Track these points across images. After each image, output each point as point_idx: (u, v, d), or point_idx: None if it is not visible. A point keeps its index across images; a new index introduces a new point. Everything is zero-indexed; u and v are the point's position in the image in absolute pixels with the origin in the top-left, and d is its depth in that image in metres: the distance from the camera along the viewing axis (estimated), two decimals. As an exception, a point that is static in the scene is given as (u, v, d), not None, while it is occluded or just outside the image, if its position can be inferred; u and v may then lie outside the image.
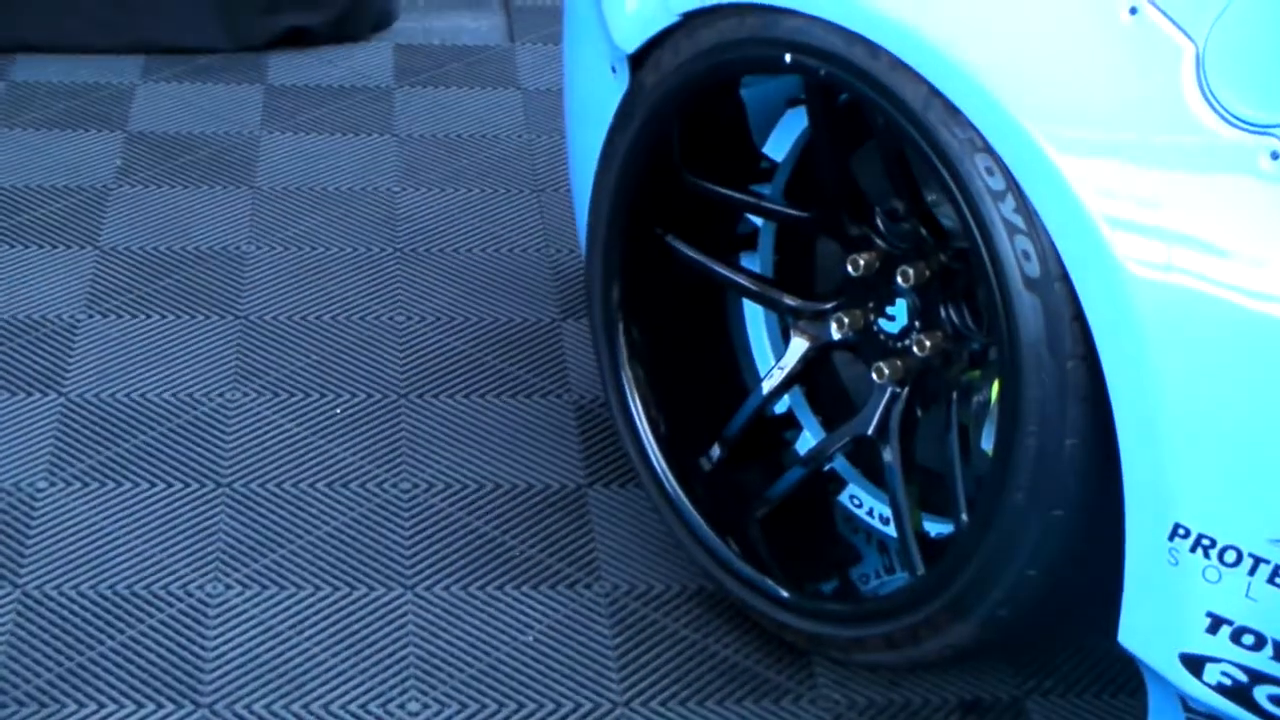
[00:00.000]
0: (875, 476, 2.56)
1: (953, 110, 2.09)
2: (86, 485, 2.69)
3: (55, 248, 3.30)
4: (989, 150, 2.06)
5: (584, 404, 2.95)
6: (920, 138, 2.13)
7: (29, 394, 2.88)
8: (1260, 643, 1.95)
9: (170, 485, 2.68)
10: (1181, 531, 1.97)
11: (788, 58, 2.28)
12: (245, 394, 2.85)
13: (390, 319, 3.15)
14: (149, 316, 3.12)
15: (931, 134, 2.11)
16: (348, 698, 2.35)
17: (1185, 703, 2.11)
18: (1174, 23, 1.94)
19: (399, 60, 4.08)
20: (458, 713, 2.35)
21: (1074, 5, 2.04)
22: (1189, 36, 1.93)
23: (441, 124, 3.83)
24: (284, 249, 3.34)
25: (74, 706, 2.28)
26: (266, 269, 3.28)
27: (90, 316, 3.09)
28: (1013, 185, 2.05)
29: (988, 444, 2.34)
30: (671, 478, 2.58)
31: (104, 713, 2.27)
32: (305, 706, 2.33)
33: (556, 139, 3.68)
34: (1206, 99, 1.91)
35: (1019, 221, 2.05)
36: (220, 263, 3.28)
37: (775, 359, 2.65)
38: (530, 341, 3.12)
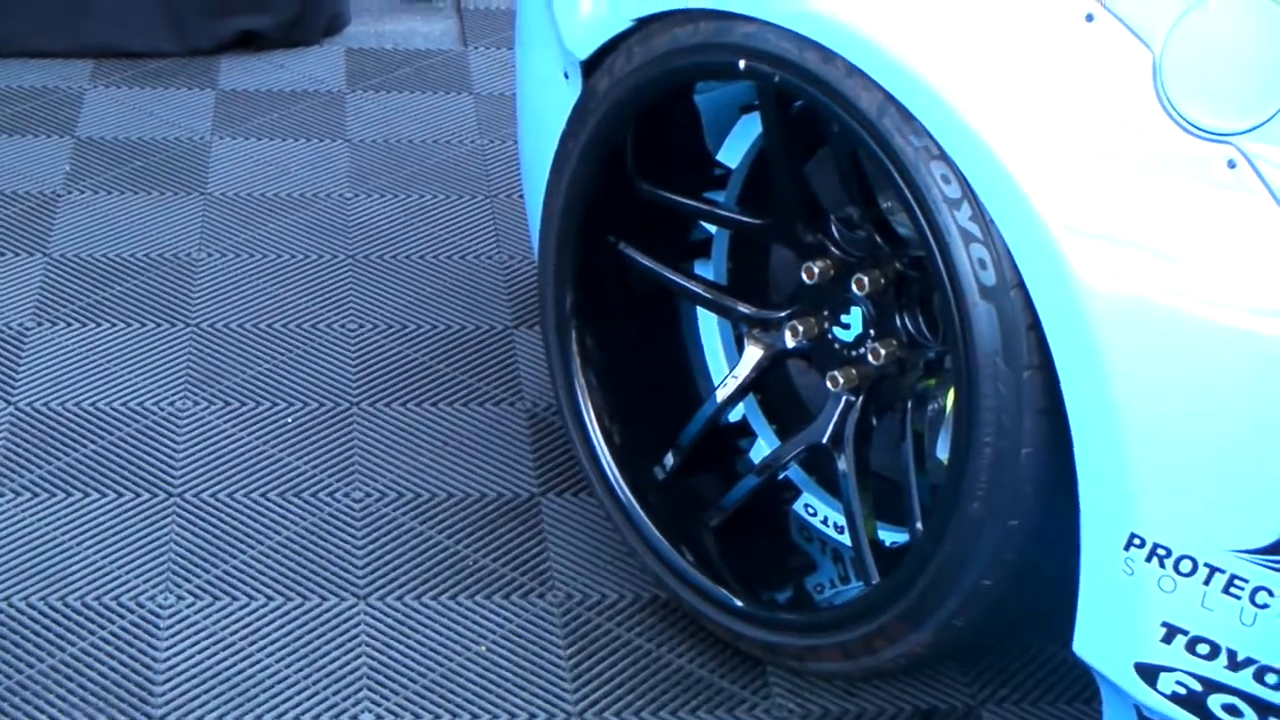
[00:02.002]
0: (830, 485, 2.56)
1: (908, 117, 2.08)
2: (35, 495, 2.67)
3: (3, 255, 3.29)
4: (944, 158, 2.06)
5: (537, 412, 2.94)
6: (875, 145, 2.13)
7: (-24, 403, 2.86)
8: (1215, 652, 1.95)
9: (120, 495, 2.66)
10: (1137, 541, 1.96)
11: (741, 64, 2.27)
12: (196, 402, 2.83)
13: (342, 326, 3.14)
14: (98, 325, 3.11)
15: (886, 141, 2.11)
16: (300, 709, 2.34)
17: (1140, 711, 2.11)
18: (1130, 30, 1.93)
19: (351, 64, 4.08)
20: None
21: (1030, 12, 2.02)
22: (1145, 44, 1.92)
23: (394, 129, 3.83)
24: (235, 255, 3.32)
25: (22, 721, 2.26)
26: (218, 276, 3.27)
27: (39, 324, 3.08)
28: (968, 193, 2.04)
29: (943, 452, 2.34)
30: (625, 486, 2.57)
31: (53, 728, 2.26)
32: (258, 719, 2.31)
33: (509, 144, 3.69)
34: (1163, 107, 1.90)
35: (975, 229, 2.04)
36: (171, 270, 3.27)
37: (729, 367, 2.65)
38: (483, 349, 3.11)
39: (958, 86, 2.04)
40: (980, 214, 2.03)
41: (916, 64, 2.06)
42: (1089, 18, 1.96)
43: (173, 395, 2.93)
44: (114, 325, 3.10)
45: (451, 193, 3.57)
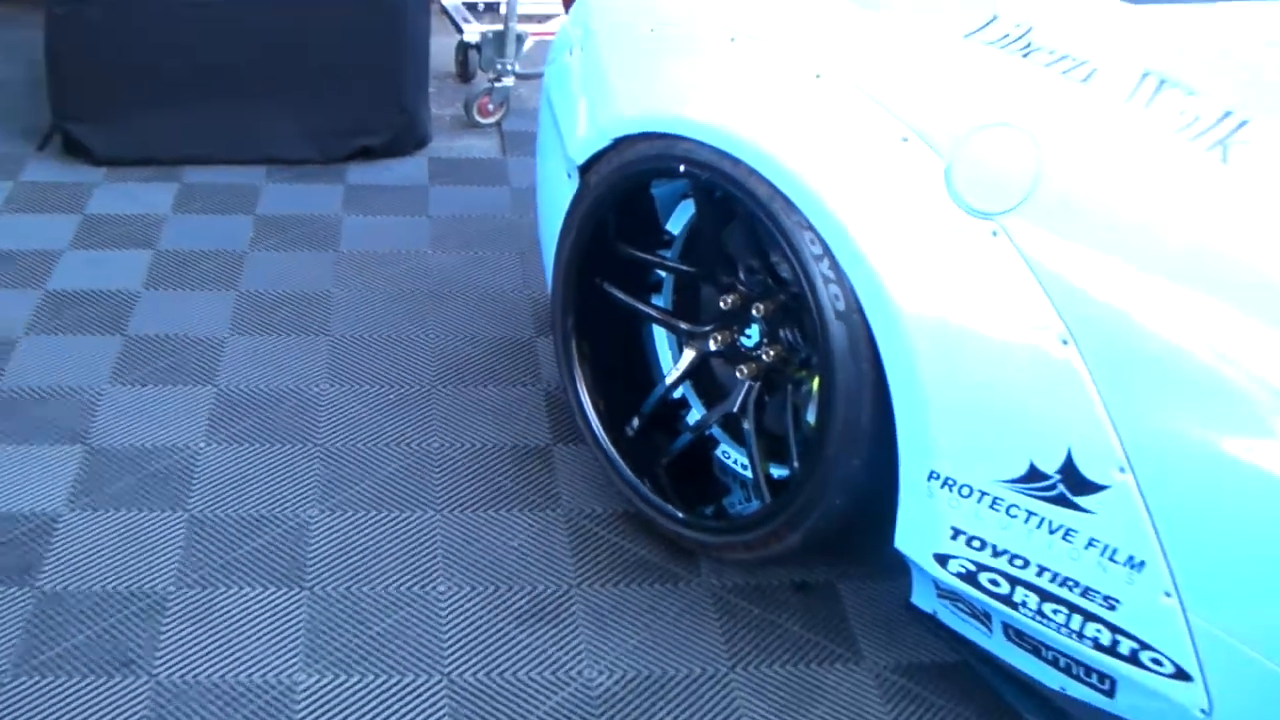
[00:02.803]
0: (739, 438, 2.50)
1: (789, 203, 2.06)
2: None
3: (206, 290, 3.22)
4: (812, 229, 2.03)
5: (550, 392, 2.88)
6: (768, 220, 2.10)
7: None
8: (983, 545, 1.93)
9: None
10: (934, 475, 1.94)
11: (682, 168, 2.24)
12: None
13: (427, 335, 3.07)
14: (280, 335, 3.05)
15: (775, 218, 2.08)
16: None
17: (937, 585, 2.08)
18: (930, 147, 1.91)
19: (432, 168, 3.99)
20: (474, 590, 2.30)
21: (865, 136, 1.98)
22: (939, 155, 1.90)
23: (459, 209, 3.75)
24: (360, 292, 3.25)
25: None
26: (350, 304, 3.20)
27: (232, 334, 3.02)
28: (827, 252, 2.01)
29: (810, 417, 2.30)
30: (606, 439, 2.53)
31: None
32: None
33: (532, 219, 3.60)
34: (951, 195, 1.88)
35: (831, 275, 2.01)
36: (314, 303, 3.19)
37: (674, 363, 2.60)
38: (514, 350, 3.05)
39: (819, 183, 2.01)
40: (835, 265, 2.00)
41: (793, 168, 2.04)
42: (904, 139, 1.94)
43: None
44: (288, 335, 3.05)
45: (496, 249, 3.51)
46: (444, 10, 4.59)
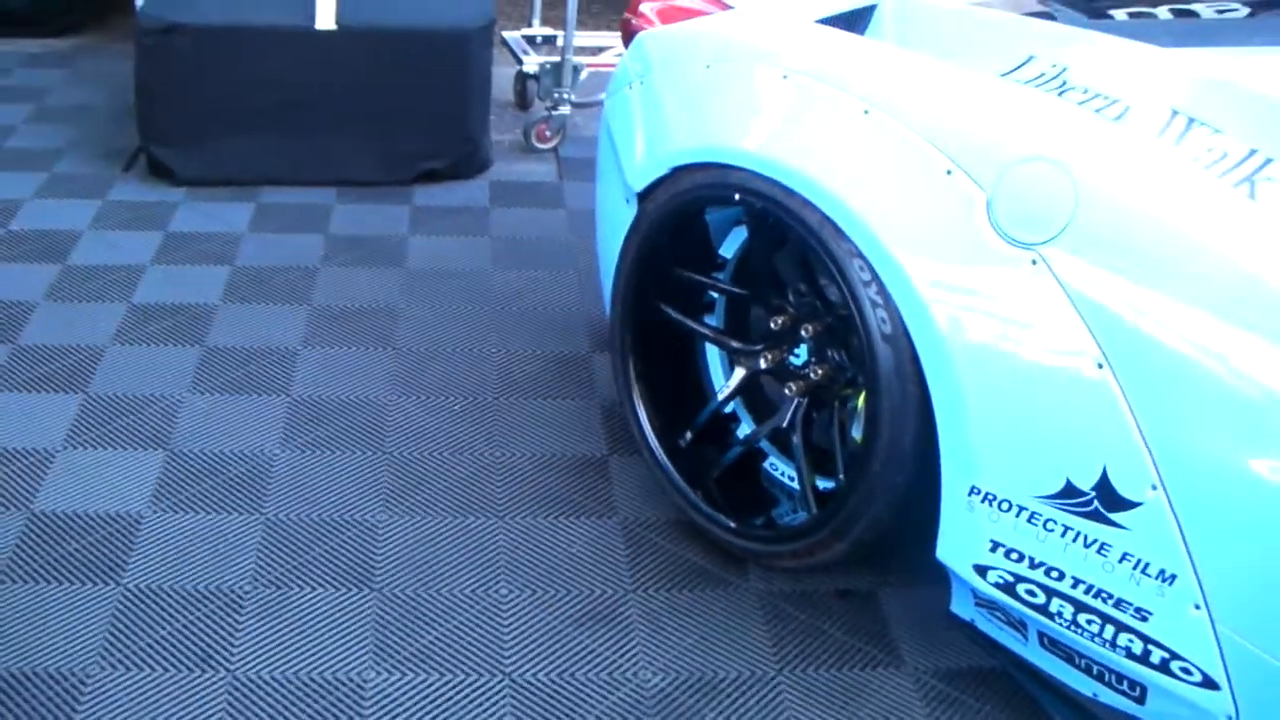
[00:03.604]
0: (787, 452, 2.52)
1: (839, 231, 2.08)
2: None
3: (280, 304, 3.26)
4: (861, 256, 2.05)
5: (606, 405, 2.91)
6: (818, 247, 2.12)
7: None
8: (1021, 558, 1.94)
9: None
10: (975, 490, 1.96)
11: (737, 196, 2.27)
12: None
13: (489, 349, 3.11)
14: (351, 348, 3.09)
15: (826, 245, 2.10)
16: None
17: (975, 594, 2.10)
18: (973, 180, 1.94)
19: (493, 190, 4.04)
20: (534, 594, 2.32)
21: (913, 167, 2.00)
22: (982, 188, 1.93)
23: (518, 230, 3.79)
24: (425, 307, 3.29)
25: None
26: (416, 319, 3.23)
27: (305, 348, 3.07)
28: (875, 277, 2.04)
29: (856, 433, 2.31)
30: (661, 451, 2.55)
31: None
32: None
33: (588, 240, 3.61)
34: (993, 226, 1.91)
35: (879, 299, 2.04)
36: (382, 317, 3.24)
37: (725, 380, 2.62)
38: (572, 365, 3.07)
39: (870, 213, 2.04)
40: (882, 290, 2.03)
41: (844, 197, 2.07)
42: (949, 171, 1.96)
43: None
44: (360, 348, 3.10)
45: (554, 268, 3.54)
46: (504, 43, 4.64)
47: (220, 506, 2.48)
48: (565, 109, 4.37)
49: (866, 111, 2.08)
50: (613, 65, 4.54)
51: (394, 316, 3.23)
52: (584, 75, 4.40)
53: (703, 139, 2.33)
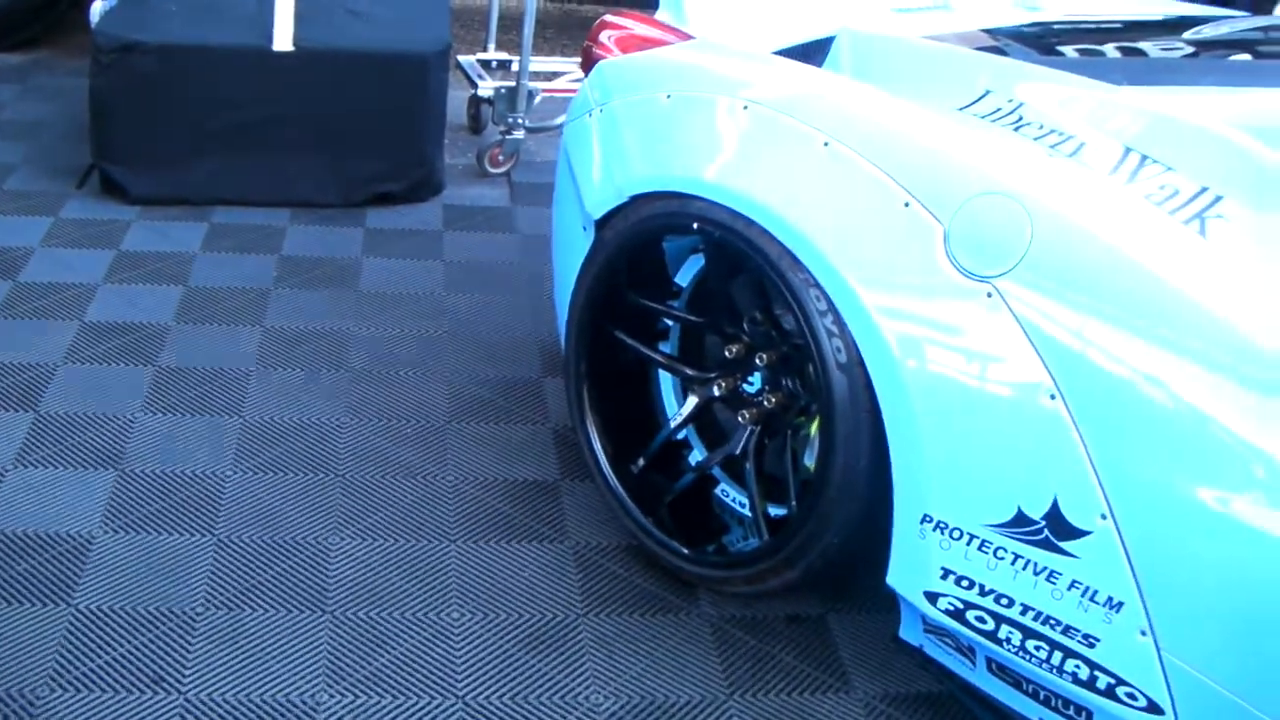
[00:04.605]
0: (738, 478, 2.52)
1: (796, 261, 2.10)
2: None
3: (233, 325, 3.24)
4: (818, 286, 2.07)
5: (558, 430, 2.91)
6: (776, 276, 2.14)
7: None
8: (971, 585, 1.96)
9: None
10: (928, 518, 1.97)
11: (696, 225, 2.28)
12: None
13: (441, 372, 3.10)
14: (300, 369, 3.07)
15: (783, 274, 2.12)
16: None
17: (924, 620, 2.11)
18: (930, 213, 1.96)
19: (446, 214, 4.03)
20: (486, 618, 2.31)
21: (870, 201, 2.03)
22: (939, 221, 1.95)
23: (471, 254, 3.78)
24: (379, 330, 3.28)
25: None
26: (369, 341, 3.22)
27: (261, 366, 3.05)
28: (832, 307, 2.06)
29: (808, 461, 2.33)
30: (614, 477, 2.55)
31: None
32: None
33: (540, 265, 3.63)
34: (949, 258, 1.93)
35: (835, 329, 2.06)
36: (334, 339, 3.22)
37: (678, 407, 2.63)
38: (524, 390, 3.07)
39: (827, 244, 2.05)
40: (839, 320, 2.05)
41: (802, 228, 2.08)
42: (906, 204, 1.98)
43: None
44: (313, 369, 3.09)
45: (506, 293, 3.54)
46: (459, 67, 4.64)
47: (172, 527, 2.46)
48: (519, 134, 4.37)
49: (826, 144, 2.10)
50: (567, 91, 4.56)
51: (347, 339, 3.22)
52: (538, 100, 4.41)
53: (663, 168, 2.34)
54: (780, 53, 2.51)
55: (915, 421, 1.96)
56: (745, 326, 2.42)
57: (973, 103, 2.18)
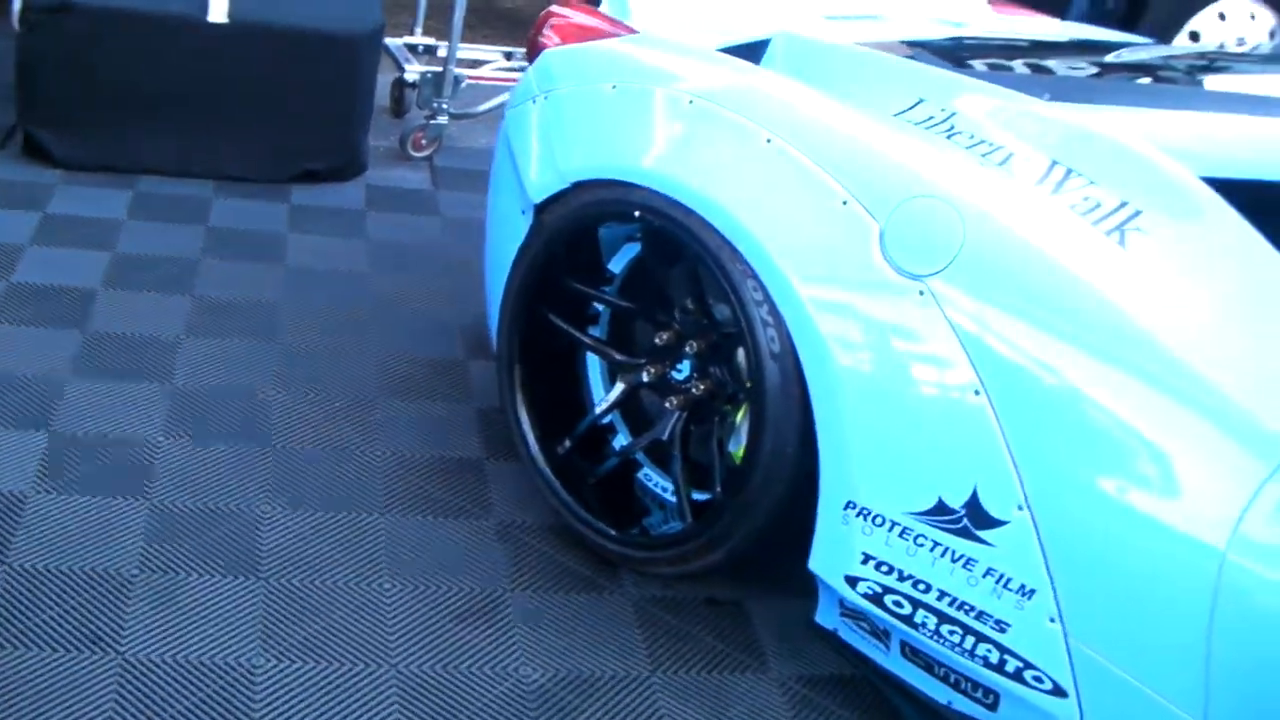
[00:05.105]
0: (661, 464, 2.58)
1: (735, 252, 2.17)
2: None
3: (162, 293, 3.23)
4: (755, 277, 2.14)
5: (482, 410, 2.94)
6: (714, 266, 2.20)
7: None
8: (890, 571, 2.04)
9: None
10: (851, 504, 2.05)
11: (637, 214, 2.34)
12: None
13: (368, 349, 3.12)
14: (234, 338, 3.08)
15: (722, 265, 2.19)
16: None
17: (842, 603, 2.19)
18: (868, 212, 2.04)
19: (368, 195, 4.04)
20: (416, 590, 2.35)
21: (810, 198, 2.10)
22: (875, 220, 2.03)
23: (394, 235, 3.80)
24: (306, 304, 3.29)
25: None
26: (297, 315, 3.24)
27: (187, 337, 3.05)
28: (768, 298, 2.13)
29: (734, 448, 2.40)
30: (541, 458, 2.60)
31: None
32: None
33: (462, 248, 3.69)
34: (884, 256, 2.01)
35: (769, 319, 2.13)
36: (263, 312, 3.23)
37: (604, 392, 2.68)
38: (448, 369, 3.11)
39: (765, 237, 2.12)
40: (774, 311, 2.12)
41: (743, 221, 2.15)
42: (844, 202, 2.06)
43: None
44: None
45: (429, 275, 3.56)
46: (386, 50, 4.65)
47: (105, 490, 2.47)
48: (443, 119, 4.40)
49: (769, 140, 2.18)
50: (492, 79, 4.61)
51: (275, 312, 3.23)
52: (463, 86, 4.44)
53: (607, 157, 2.40)
54: (722, 51, 2.58)
55: (843, 411, 2.04)
56: (677, 315, 2.48)
57: (907, 110, 2.27)
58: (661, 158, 2.31)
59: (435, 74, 4.37)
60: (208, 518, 2.45)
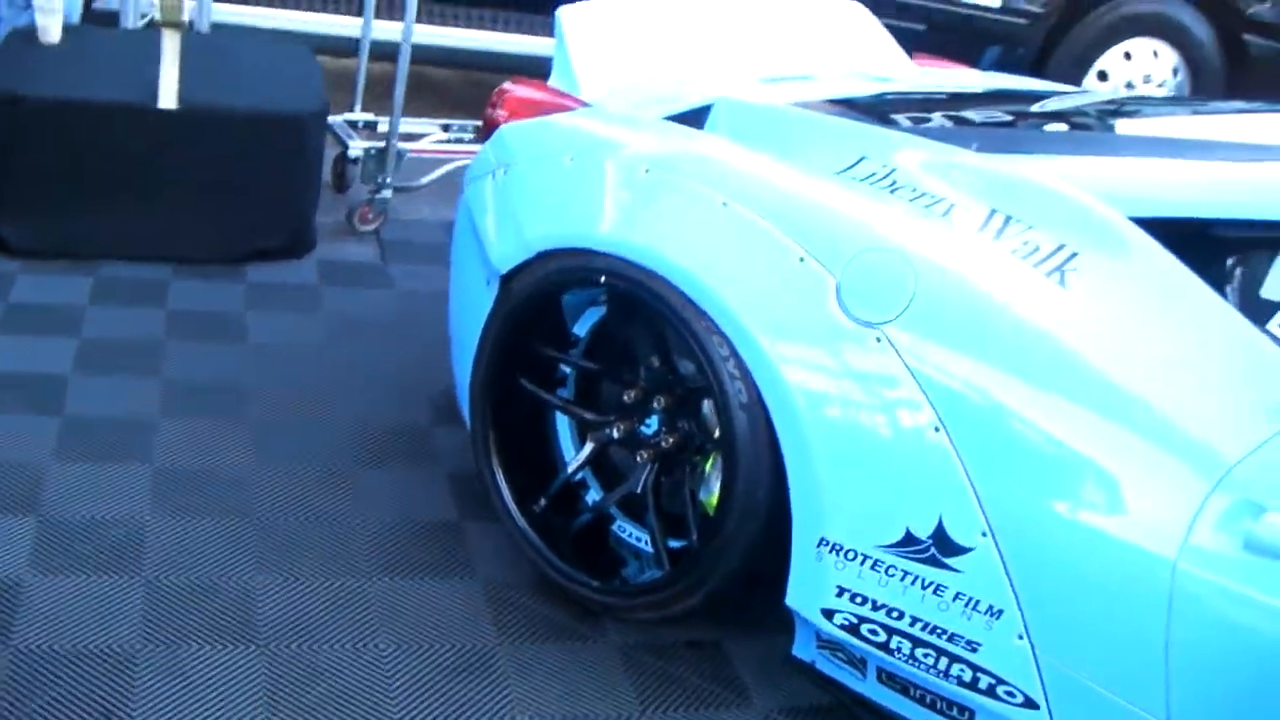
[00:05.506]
0: (634, 515, 2.67)
1: (700, 311, 2.28)
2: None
3: (132, 376, 3.28)
4: (721, 333, 2.26)
5: (452, 474, 3.03)
6: (680, 325, 2.31)
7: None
8: (864, 601, 2.15)
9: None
10: (824, 541, 2.16)
11: (602, 279, 2.45)
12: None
13: (337, 421, 3.21)
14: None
15: (688, 323, 2.30)
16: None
17: (818, 635, 2.29)
18: (823, 267, 2.17)
19: (321, 270, 4.12)
20: (411, 649, 2.43)
21: (767, 256, 2.23)
22: (831, 274, 2.16)
23: (349, 308, 3.88)
24: (271, 381, 3.36)
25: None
26: (265, 391, 3.30)
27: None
28: (734, 352, 2.24)
29: (704, 496, 2.49)
30: (520, 517, 2.68)
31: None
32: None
33: (417, 320, 3.79)
34: (841, 307, 2.14)
35: (736, 372, 2.24)
36: (233, 390, 3.30)
37: (575, 450, 2.76)
38: (416, 435, 3.19)
39: (728, 294, 2.24)
40: (740, 364, 2.23)
41: (706, 281, 2.27)
42: (801, 259, 2.19)
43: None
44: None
45: (387, 346, 3.65)
46: (328, 127, 4.75)
47: (100, 569, 2.53)
48: (387, 193, 4.50)
49: (725, 204, 2.31)
50: (432, 152, 4.73)
51: (244, 389, 3.30)
52: (405, 159, 4.55)
53: (569, 226, 2.52)
54: (669, 119, 2.71)
55: (812, 454, 2.17)
56: (642, 373, 2.59)
57: (850, 167, 2.41)
58: (623, 225, 2.43)
59: (379, 149, 4.48)
60: (202, 592, 2.51)
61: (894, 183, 2.34)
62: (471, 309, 2.78)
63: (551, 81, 2.97)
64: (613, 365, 2.66)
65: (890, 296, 2.12)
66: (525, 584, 2.67)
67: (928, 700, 2.21)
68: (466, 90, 6.53)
